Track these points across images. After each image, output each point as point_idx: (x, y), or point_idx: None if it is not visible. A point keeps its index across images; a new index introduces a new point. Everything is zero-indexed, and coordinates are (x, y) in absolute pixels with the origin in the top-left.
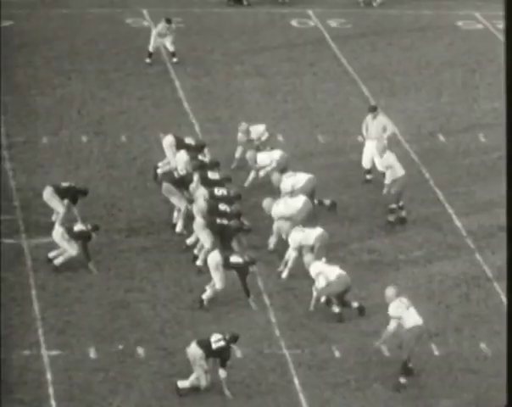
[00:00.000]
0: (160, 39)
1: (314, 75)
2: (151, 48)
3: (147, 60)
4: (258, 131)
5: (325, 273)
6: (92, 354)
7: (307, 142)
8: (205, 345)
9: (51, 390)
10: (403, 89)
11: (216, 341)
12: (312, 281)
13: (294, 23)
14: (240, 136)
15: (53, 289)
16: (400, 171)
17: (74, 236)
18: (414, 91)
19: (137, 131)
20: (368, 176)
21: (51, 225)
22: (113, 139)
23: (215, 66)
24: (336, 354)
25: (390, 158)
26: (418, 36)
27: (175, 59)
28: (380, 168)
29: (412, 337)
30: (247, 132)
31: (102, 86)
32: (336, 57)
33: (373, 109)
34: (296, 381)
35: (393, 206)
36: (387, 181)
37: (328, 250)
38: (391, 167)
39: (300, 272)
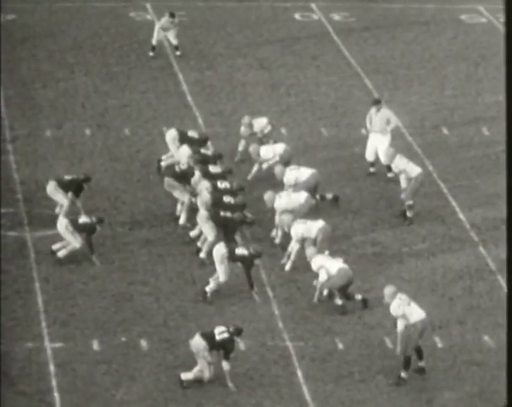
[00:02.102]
0: (164, 33)
1: (317, 69)
2: (154, 42)
3: (151, 53)
4: (260, 124)
5: (326, 267)
6: (96, 346)
7: (310, 135)
8: (209, 337)
9: (54, 382)
10: (407, 82)
11: (220, 333)
12: (315, 274)
13: (297, 16)
14: (243, 129)
15: (57, 282)
16: (415, 171)
17: (78, 228)
18: (417, 85)
19: (140, 124)
20: (371, 169)
21: (54, 218)
22: (116, 132)
23: (218, 59)
24: (340, 346)
25: (401, 162)
26: (421, 29)
27: (178, 53)
28: (384, 161)
29: (416, 331)
30: (250, 125)
31: (105, 79)
32: (339, 50)
33: (377, 102)
34: (299, 373)
35: (411, 202)
36: (403, 185)
37: (331, 243)
38: (404, 171)
39: (303, 265)
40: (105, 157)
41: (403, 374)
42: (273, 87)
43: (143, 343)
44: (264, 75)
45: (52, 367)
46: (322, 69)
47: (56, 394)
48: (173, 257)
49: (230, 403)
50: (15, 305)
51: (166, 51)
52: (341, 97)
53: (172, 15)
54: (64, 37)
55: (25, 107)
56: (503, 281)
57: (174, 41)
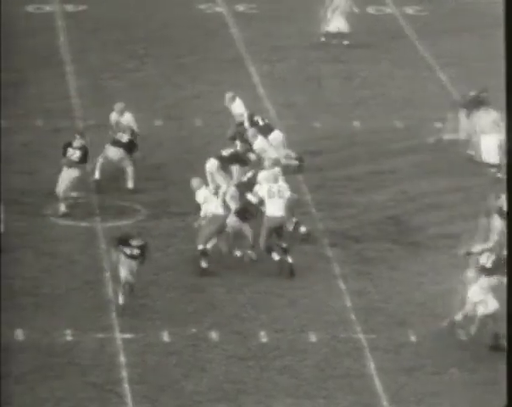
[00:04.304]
0: (339, 16)
1: (390, 62)
2: (330, 28)
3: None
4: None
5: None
6: (166, 337)
7: (384, 128)
8: None
9: (124, 373)
10: (482, 75)
11: None
12: (385, 267)
13: (371, 10)
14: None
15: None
16: None
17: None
18: (493, 77)
19: (212, 115)
20: (499, 175)
21: (124, 209)
22: (187, 123)
23: (291, 52)
24: (412, 338)
25: None
26: (496, 22)
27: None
28: (489, 159)
29: (488, 321)
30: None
31: (175, 70)
32: (412, 43)
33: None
34: (371, 365)
35: None
36: None
37: (406, 235)
38: None
39: (377, 257)
40: (176, 148)
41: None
42: (346, 80)
43: (214, 335)
44: (338, 67)
45: (122, 358)
46: (395, 63)
47: (126, 385)
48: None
49: (301, 394)
50: (86, 296)
51: (237, 42)
52: (414, 90)
53: None
54: (134, 28)
55: (96, 97)
56: None
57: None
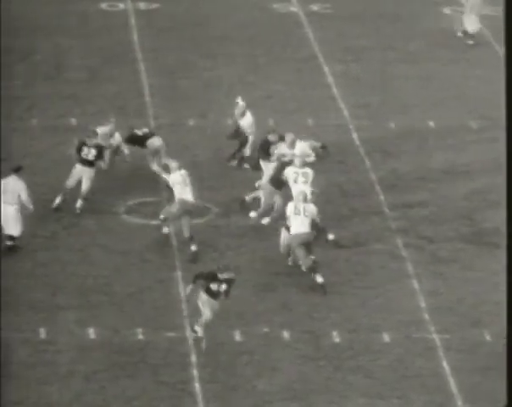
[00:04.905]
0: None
1: (467, 62)
2: (469, 29)
3: (470, 42)
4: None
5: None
6: (237, 336)
7: (458, 128)
8: None
9: (195, 372)
10: None
11: None
12: (461, 265)
13: (447, 10)
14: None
15: (198, 270)
16: None
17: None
18: None
19: (285, 115)
20: None
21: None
22: (260, 123)
23: (366, 52)
24: (487, 338)
25: None
26: None
27: (470, 42)
28: None
29: None
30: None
31: (249, 70)
32: (489, 43)
33: None
34: (445, 365)
35: None
36: None
37: (480, 234)
38: None
39: (450, 257)
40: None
41: None
42: (422, 81)
43: (286, 334)
44: (413, 68)
45: (193, 357)
46: (472, 63)
47: (197, 384)
48: (319, 248)
49: (374, 395)
50: (157, 294)
51: (310, 42)
52: (491, 90)
53: None
54: (207, 27)
55: (169, 96)
56: None
57: (471, 27)
